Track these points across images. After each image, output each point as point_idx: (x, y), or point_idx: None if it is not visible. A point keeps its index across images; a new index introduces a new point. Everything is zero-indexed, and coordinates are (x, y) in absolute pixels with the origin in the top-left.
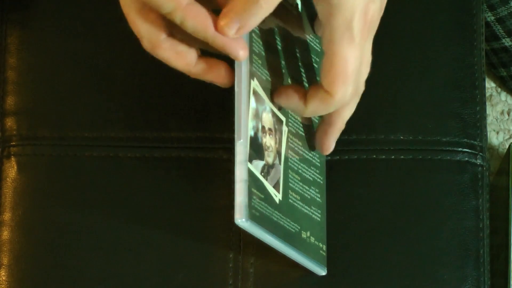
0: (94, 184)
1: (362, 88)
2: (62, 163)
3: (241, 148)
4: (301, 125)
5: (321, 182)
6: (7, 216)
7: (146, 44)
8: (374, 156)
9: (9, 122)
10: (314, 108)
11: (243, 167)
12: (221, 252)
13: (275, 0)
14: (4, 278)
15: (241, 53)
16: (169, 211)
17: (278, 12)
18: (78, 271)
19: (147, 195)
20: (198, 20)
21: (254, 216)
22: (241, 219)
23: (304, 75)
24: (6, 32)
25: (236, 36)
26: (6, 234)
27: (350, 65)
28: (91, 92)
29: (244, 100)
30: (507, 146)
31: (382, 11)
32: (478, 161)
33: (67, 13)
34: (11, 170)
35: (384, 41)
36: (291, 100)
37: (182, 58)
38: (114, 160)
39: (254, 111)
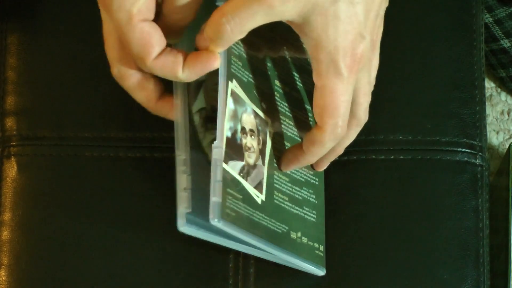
0: (94, 184)
1: (363, 117)
2: (62, 163)
3: (216, 149)
4: (293, 127)
5: (316, 183)
6: (7, 216)
7: (115, 72)
8: (374, 157)
9: (9, 122)
10: (312, 151)
11: (218, 167)
12: (222, 252)
13: (242, 30)
14: (4, 278)
15: (214, 64)
16: (169, 211)
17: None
18: (78, 271)
19: (147, 195)
20: (166, 70)
21: (229, 216)
22: (213, 219)
23: (295, 74)
24: (6, 32)
25: (210, 50)
26: (6, 234)
27: (337, 97)
28: (91, 92)
29: (221, 101)
30: (507, 146)
31: (376, 44)
32: (478, 161)
33: (67, 13)
34: (11, 170)
35: (384, 41)
36: (294, 163)
37: (145, 93)
38: (114, 160)
39: (232, 112)
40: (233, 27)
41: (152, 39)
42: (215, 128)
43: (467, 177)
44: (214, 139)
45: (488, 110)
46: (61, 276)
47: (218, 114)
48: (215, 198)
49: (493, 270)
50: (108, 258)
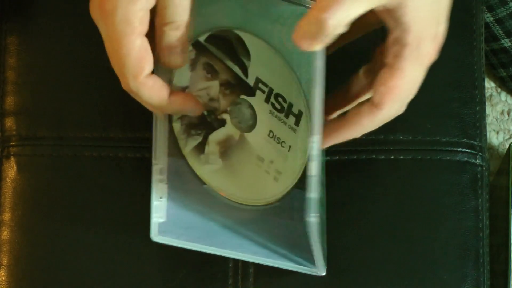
0: (94, 184)
1: (403, 109)
2: (62, 163)
3: (314, 144)
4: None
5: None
6: (7, 216)
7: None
8: (374, 156)
9: (9, 122)
10: (358, 127)
11: (314, 162)
12: None
13: (343, 23)
14: (4, 278)
15: (197, 109)
16: None
17: None
18: (78, 271)
19: (147, 195)
20: (155, 91)
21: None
22: (311, 215)
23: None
24: (6, 32)
25: (311, 49)
26: (6, 234)
27: (410, 83)
28: (91, 92)
29: (318, 98)
30: (507, 146)
31: None
32: (478, 161)
33: (67, 13)
34: (11, 170)
35: None
36: (335, 137)
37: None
38: (114, 160)
39: None
40: (337, 21)
41: (148, 55)
42: (198, 134)
43: (467, 177)
44: (198, 146)
45: (488, 110)
46: (61, 276)
47: (314, 110)
48: (313, 194)
49: (493, 270)
50: (108, 257)
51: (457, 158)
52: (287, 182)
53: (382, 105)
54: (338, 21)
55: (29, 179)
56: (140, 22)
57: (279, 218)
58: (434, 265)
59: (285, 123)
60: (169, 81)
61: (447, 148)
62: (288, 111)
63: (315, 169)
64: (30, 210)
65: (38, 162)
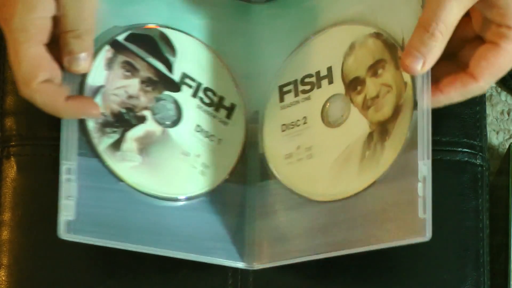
0: None
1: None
2: None
3: (427, 167)
4: None
5: None
6: (6, 216)
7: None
8: None
9: (9, 122)
10: (447, 96)
11: (428, 183)
12: None
13: (449, 29)
14: (4, 278)
15: (94, 112)
16: None
17: None
18: (78, 271)
19: None
20: (48, 97)
21: None
22: (428, 235)
23: None
24: None
25: (423, 72)
26: (6, 234)
27: (510, 63)
28: None
29: (427, 116)
30: (507, 146)
31: None
32: (478, 161)
33: None
34: (11, 170)
35: None
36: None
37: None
38: None
39: None
40: (444, 32)
41: (44, 62)
42: (114, 132)
43: (467, 177)
44: (114, 143)
45: (488, 110)
46: (61, 276)
47: (422, 132)
48: (423, 215)
49: (493, 270)
50: (108, 257)
51: (457, 158)
52: (216, 176)
53: (479, 78)
54: (445, 31)
55: (29, 179)
56: (37, 30)
57: (206, 212)
58: (434, 265)
59: (214, 116)
60: (80, 81)
61: (447, 148)
62: (219, 104)
63: (427, 191)
64: (30, 210)
65: (38, 162)
